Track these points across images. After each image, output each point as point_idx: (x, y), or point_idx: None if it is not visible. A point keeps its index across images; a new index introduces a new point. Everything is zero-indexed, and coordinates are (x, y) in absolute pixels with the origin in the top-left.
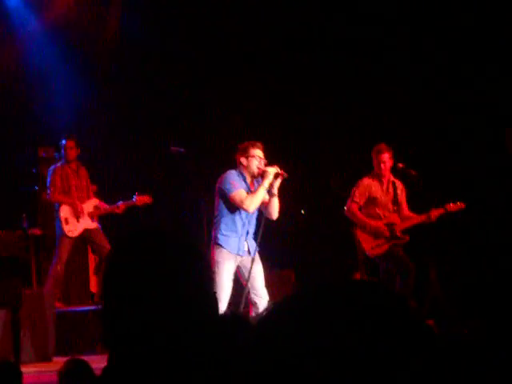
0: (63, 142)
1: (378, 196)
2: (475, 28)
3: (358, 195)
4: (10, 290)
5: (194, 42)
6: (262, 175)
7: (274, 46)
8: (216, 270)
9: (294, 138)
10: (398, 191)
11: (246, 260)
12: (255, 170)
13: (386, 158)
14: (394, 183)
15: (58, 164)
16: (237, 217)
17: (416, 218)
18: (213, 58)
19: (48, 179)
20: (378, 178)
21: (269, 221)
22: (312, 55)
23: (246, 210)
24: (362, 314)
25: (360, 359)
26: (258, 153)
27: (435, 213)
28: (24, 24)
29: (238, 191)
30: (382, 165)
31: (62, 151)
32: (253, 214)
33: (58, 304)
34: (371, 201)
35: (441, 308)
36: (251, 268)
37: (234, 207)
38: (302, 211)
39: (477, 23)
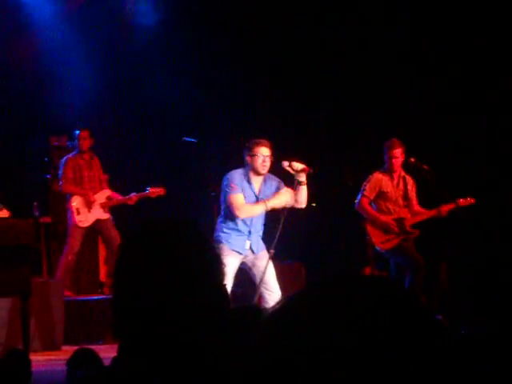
0: (77, 132)
1: (389, 191)
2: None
3: (369, 189)
4: (20, 278)
5: (207, 32)
6: (289, 170)
7: (286, 41)
8: None
9: (307, 131)
10: (409, 186)
11: (259, 260)
12: (259, 169)
13: (398, 154)
14: (404, 178)
15: (71, 155)
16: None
17: (426, 213)
18: (227, 49)
19: (60, 171)
20: (389, 172)
21: (297, 210)
22: (324, 49)
23: (236, 216)
24: (372, 309)
25: (369, 354)
26: (262, 151)
27: (446, 208)
28: (37, 9)
29: (236, 195)
30: (394, 160)
31: (76, 141)
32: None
33: (67, 293)
34: (381, 195)
35: (450, 304)
36: (267, 265)
37: None
38: (314, 204)
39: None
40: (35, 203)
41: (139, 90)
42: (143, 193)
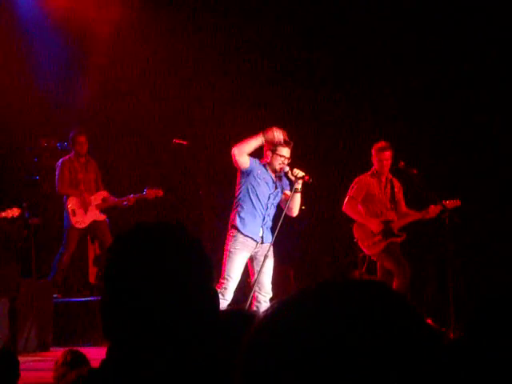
0: (74, 136)
1: (376, 193)
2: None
3: (356, 192)
4: (9, 279)
5: (196, 35)
6: (289, 176)
7: (279, 41)
8: (228, 258)
9: (294, 136)
10: (396, 189)
11: (260, 253)
12: (276, 167)
13: (388, 156)
14: (391, 181)
15: (66, 157)
16: (256, 200)
17: (413, 216)
18: (214, 53)
19: (56, 172)
20: (377, 175)
21: (287, 217)
22: (311, 51)
23: (234, 156)
24: (362, 313)
25: (362, 358)
26: (284, 152)
27: (433, 210)
28: (28, 11)
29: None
30: (385, 162)
31: (72, 145)
32: (272, 201)
33: (57, 294)
34: (369, 198)
35: (438, 307)
36: (263, 263)
37: (254, 191)
38: (303, 207)
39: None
40: (24, 204)
41: (128, 92)
42: (140, 194)
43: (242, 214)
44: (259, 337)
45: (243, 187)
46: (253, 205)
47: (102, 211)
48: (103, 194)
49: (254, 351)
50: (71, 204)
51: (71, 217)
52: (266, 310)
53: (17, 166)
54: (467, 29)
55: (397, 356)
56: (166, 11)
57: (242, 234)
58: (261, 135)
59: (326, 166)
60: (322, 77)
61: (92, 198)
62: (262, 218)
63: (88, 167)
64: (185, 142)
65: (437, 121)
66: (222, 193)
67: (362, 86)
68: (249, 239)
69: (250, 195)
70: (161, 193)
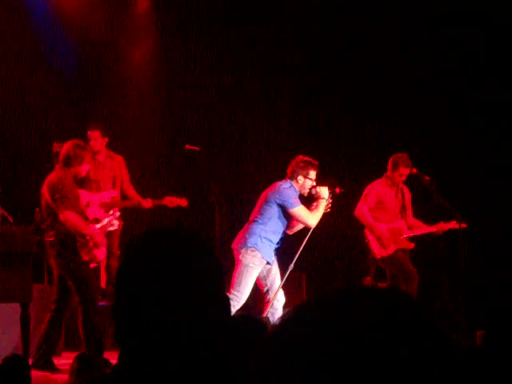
0: (87, 132)
1: (388, 201)
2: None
3: (370, 198)
4: (21, 284)
5: (205, 39)
6: (314, 195)
7: (284, 48)
8: (244, 272)
9: (308, 142)
10: (406, 197)
11: (272, 265)
12: (306, 191)
13: (407, 172)
14: (402, 189)
15: None
16: (280, 228)
17: (424, 229)
18: (225, 55)
19: None
20: (391, 184)
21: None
22: (316, 56)
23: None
24: (379, 321)
25: (378, 367)
26: (313, 175)
27: (443, 227)
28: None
29: (303, 207)
30: (403, 177)
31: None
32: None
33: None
34: (380, 205)
35: (450, 316)
36: (271, 267)
37: (282, 219)
38: None
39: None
40: (37, 209)
41: (140, 97)
42: (160, 200)
43: (264, 240)
44: (274, 345)
45: (273, 215)
46: (276, 233)
47: (115, 212)
48: (113, 193)
49: (268, 360)
50: None
51: None
52: (281, 318)
53: (30, 171)
54: (491, 37)
55: (413, 365)
56: (183, 21)
57: (262, 256)
58: (322, 200)
59: (336, 173)
60: (335, 82)
61: (99, 195)
62: (276, 243)
63: (105, 164)
64: (197, 148)
65: (454, 131)
66: (234, 199)
67: (384, 93)
68: (264, 262)
69: (276, 224)
70: (185, 202)
